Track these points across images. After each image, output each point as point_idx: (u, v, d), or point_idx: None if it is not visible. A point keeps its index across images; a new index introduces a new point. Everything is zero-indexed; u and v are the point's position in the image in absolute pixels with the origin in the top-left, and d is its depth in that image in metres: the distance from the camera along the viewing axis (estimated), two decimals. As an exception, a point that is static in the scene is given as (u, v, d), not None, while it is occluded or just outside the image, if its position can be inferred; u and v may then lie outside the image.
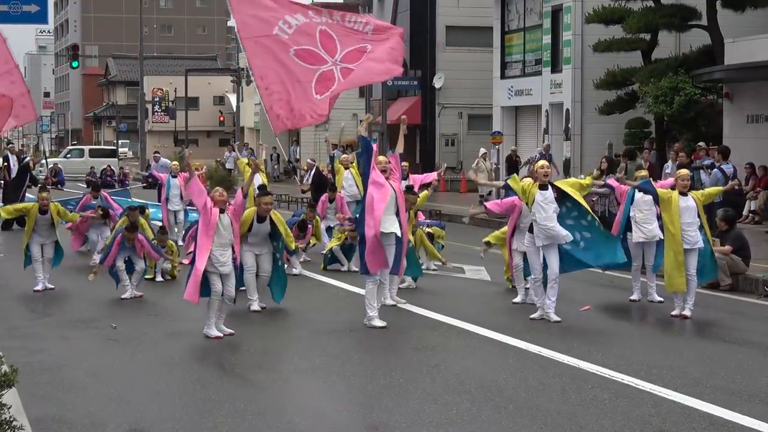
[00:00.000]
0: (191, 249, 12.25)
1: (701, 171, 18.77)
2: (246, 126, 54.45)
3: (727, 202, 15.61)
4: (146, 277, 13.87)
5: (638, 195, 12.26)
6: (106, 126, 78.86)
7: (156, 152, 33.24)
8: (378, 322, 10.72)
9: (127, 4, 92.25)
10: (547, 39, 30.08)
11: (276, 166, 45.83)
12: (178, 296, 12.88)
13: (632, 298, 12.55)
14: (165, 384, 8.36)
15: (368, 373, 8.64)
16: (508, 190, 11.98)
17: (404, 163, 14.02)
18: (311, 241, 15.92)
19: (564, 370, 8.73)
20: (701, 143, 21.42)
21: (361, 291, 11.90)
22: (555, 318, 11.03)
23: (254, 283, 11.77)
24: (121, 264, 12.96)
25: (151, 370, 8.88)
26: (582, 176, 13.07)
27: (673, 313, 11.41)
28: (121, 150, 39.46)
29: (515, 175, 12.69)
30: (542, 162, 11.59)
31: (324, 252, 15.63)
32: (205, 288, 10.17)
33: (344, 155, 19.20)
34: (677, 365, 8.93)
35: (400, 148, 11.43)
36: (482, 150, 28.16)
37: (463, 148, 36.33)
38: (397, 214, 10.81)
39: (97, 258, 15.91)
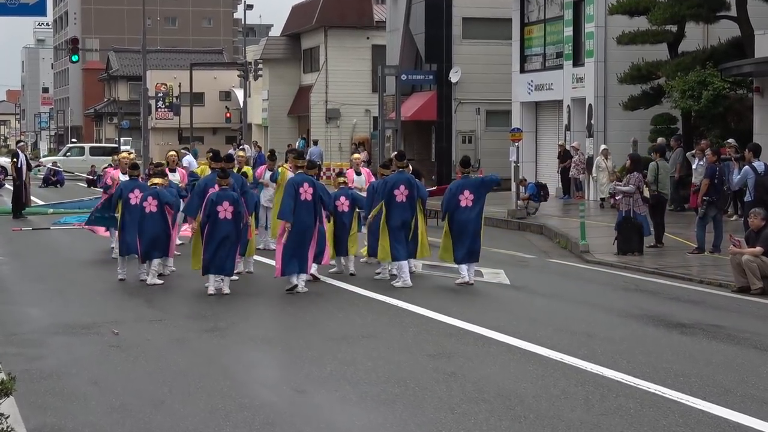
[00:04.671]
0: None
1: (731, 163, 18.39)
2: (254, 122, 53.96)
3: (758, 202, 15.22)
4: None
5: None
6: (108, 123, 78.13)
7: (185, 148, 32.77)
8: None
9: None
10: (568, 31, 29.76)
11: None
12: (180, 300, 12.85)
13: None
14: (169, 392, 8.21)
15: (381, 381, 8.47)
16: None
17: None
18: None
19: (587, 378, 8.58)
20: (730, 140, 21.00)
21: (371, 295, 12.76)
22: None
23: None
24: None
25: (155, 377, 8.72)
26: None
27: None
28: (123, 148, 39.00)
29: None
30: None
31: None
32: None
33: (356, 155, 18.81)
34: (706, 373, 8.77)
35: None
36: (602, 146, 26.35)
37: (481, 146, 36.00)
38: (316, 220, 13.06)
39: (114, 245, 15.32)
